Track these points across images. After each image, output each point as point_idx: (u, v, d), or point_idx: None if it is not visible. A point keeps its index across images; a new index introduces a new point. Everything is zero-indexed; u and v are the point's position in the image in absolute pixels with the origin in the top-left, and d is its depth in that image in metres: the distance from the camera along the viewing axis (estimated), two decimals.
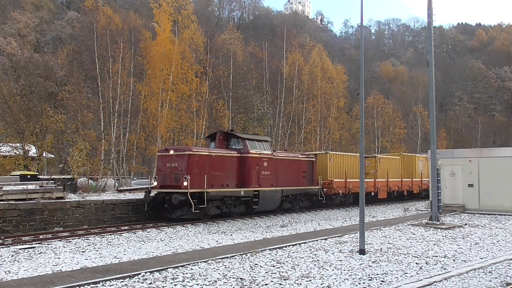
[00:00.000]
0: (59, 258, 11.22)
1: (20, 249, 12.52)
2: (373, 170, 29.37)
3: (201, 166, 18.63)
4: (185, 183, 17.81)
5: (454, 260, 11.30)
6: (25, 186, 17.70)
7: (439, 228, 17.05)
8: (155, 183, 19.14)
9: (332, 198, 26.49)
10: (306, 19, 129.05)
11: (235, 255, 11.16)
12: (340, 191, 26.51)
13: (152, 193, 18.98)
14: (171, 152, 18.83)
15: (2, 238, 14.09)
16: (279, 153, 23.75)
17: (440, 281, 9.09)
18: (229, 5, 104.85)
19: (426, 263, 10.83)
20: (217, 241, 13.72)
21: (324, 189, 25.67)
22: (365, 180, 27.15)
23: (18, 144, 28.70)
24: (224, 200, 19.69)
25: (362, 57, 12.81)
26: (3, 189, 16.73)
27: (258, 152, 21.10)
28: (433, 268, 10.26)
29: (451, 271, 9.99)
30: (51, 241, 13.75)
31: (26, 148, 28.97)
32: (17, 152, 28.26)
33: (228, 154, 20.29)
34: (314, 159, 25.41)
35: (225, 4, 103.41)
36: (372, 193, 28.57)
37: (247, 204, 20.81)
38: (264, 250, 11.93)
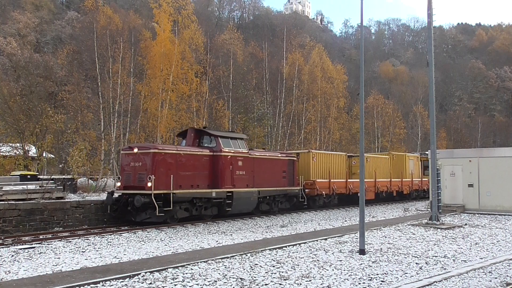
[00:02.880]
0: (59, 258, 11.21)
1: (20, 249, 12.52)
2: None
3: (167, 165, 17.43)
4: (149, 184, 16.55)
5: (454, 260, 11.29)
6: (25, 186, 17.70)
7: (439, 228, 17.04)
8: (119, 184, 17.92)
9: (315, 199, 25.33)
10: (306, 19, 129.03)
11: (235, 255, 11.16)
12: (323, 192, 25.28)
13: (116, 195, 17.83)
14: (135, 150, 17.61)
15: (2, 238, 14.08)
16: (256, 151, 22.53)
17: (440, 281, 9.08)
18: (229, 5, 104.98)
19: (426, 263, 10.82)
20: (217, 241, 13.72)
21: (306, 190, 24.41)
22: (351, 180, 27.36)
23: (18, 144, 28.70)
24: (194, 202, 18.41)
25: (362, 57, 12.81)
26: (3, 189, 16.72)
27: (232, 151, 19.80)
28: (433, 268, 10.26)
29: (451, 271, 9.98)
30: (51, 241, 13.74)
31: (26, 148, 28.98)
32: (17, 152, 28.26)
33: (199, 153, 19.02)
34: (295, 158, 24.12)
35: (225, 4, 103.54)
36: (358, 194, 27.84)
37: (220, 206, 19.50)
38: (264, 250, 11.93)
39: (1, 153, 27.19)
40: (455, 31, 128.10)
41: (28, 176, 20.59)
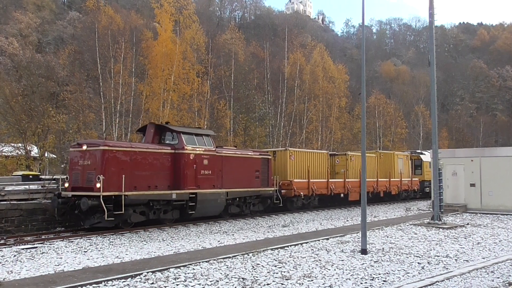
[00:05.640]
0: (61, 258, 11.23)
1: (22, 249, 12.53)
2: (343, 169, 27.09)
3: (120, 164, 15.68)
4: (98, 185, 14.88)
5: (456, 259, 11.27)
6: (27, 186, 17.73)
7: (441, 227, 17.02)
8: (67, 184, 16.21)
9: (293, 201, 23.77)
10: (307, 18, 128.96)
11: (237, 255, 11.16)
12: (301, 193, 23.58)
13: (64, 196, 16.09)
14: (84, 147, 15.90)
15: (5, 238, 14.11)
16: (225, 149, 20.74)
17: (442, 280, 9.07)
18: (231, 5, 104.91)
19: (428, 262, 10.81)
20: (219, 241, 13.73)
21: (283, 191, 22.76)
22: (334, 180, 26.84)
23: (20, 144, 28.78)
24: (151, 204, 16.70)
25: (363, 56, 12.80)
26: (6, 189, 16.75)
27: (196, 148, 18.06)
28: (435, 268, 10.25)
29: (453, 270, 9.96)
30: (53, 241, 13.76)
31: (28, 148, 29.04)
32: (19, 152, 28.34)
33: (158, 150, 17.26)
34: (269, 157, 22.35)
35: (226, 4, 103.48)
36: (342, 195, 26.26)
37: (182, 209, 17.93)
38: (266, 250, 11.93)
39: (3, 153, 27.25)
40: (457, 31, 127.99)
41: (30, 176, 20.64)
